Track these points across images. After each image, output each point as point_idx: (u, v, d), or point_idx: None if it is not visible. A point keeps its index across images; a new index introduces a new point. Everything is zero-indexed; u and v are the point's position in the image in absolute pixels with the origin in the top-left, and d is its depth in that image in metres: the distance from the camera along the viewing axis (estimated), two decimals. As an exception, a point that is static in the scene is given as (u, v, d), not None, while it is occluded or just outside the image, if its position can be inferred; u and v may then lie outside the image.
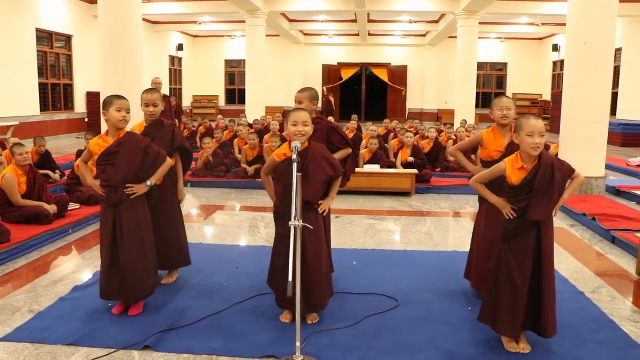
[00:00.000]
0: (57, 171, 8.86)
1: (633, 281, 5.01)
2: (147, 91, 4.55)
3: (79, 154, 8.57)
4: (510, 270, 3.39)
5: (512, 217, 3.38)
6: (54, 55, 16.71)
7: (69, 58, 17.52)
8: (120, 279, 3.91)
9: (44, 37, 16.14)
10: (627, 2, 15.80)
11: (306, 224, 3.26)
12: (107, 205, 3.95)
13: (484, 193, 3.60)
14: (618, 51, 17.81)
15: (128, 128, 4.12)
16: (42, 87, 16.07)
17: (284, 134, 11.34)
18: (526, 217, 3.34)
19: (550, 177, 3.31)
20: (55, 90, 16.94)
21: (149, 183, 3.99)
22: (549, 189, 3.31)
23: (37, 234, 5.80)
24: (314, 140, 4.00)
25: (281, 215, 3.81)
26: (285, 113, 24.05)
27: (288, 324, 3.83)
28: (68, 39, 17.40)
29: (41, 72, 15.94)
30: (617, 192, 8.87)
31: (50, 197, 6.58)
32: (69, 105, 17.69)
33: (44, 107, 16.14)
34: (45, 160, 8.87)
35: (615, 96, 17.75)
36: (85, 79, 17.93)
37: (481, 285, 4.25)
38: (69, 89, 17.66)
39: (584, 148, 8.42)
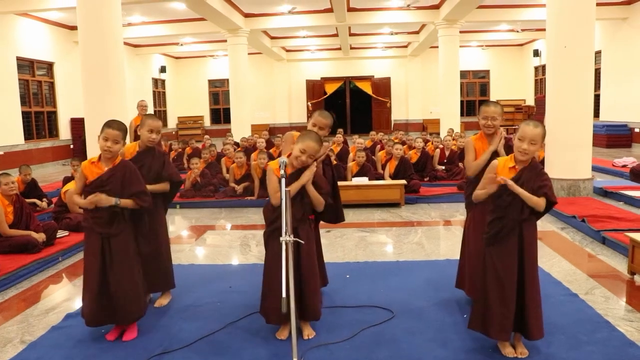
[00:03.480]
0: (44, 199, 8.79)
1: (625, 281, 5.03)
2: (152, 117, 4.51)
3: (66, 181, 8.51)
4: (497, 273, 3.42)
5: (502, 183, 3.35)
6: (35, 83, 16.66)
7: (52, 85, 17.47)
8: (109, 305, 3.83)
9: (25, 65, 16.11)
10: (604, 6, 16.04)
11: (297, 239, 3.25)
12: (93, 233, 3.89)
13: (484, 195, 3.57)
14: (598, 54, 18.01)
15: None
16: (26, 116, 16.00)
17: (270, 150, 11.36)
18: (507, 216, 3.39)
19: (534, 184, 3.36)
20: (38, 118, 16.87)
21: (115, 202, 3.80)
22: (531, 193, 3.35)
23: (26, 264, 5.73)
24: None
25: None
26: (272, 130, 24.12)
27: (284, 340, 3.80)
28: (49, 66, 17.36)
29: (24, 101, 15.87)
30: (604, 193, 8.93)
31: (38, 225, 6.52)
32: (53, 132, 17.62)
33: (28, 135, 16.07)
34: (31, 188, 8.81)
35: (597, 98, 17.92)
36: (69, 106, 17.87)
37: (475, 291, 4.23)
38: (52, 116, 17.60)
39: (570, 151, 8.50)
